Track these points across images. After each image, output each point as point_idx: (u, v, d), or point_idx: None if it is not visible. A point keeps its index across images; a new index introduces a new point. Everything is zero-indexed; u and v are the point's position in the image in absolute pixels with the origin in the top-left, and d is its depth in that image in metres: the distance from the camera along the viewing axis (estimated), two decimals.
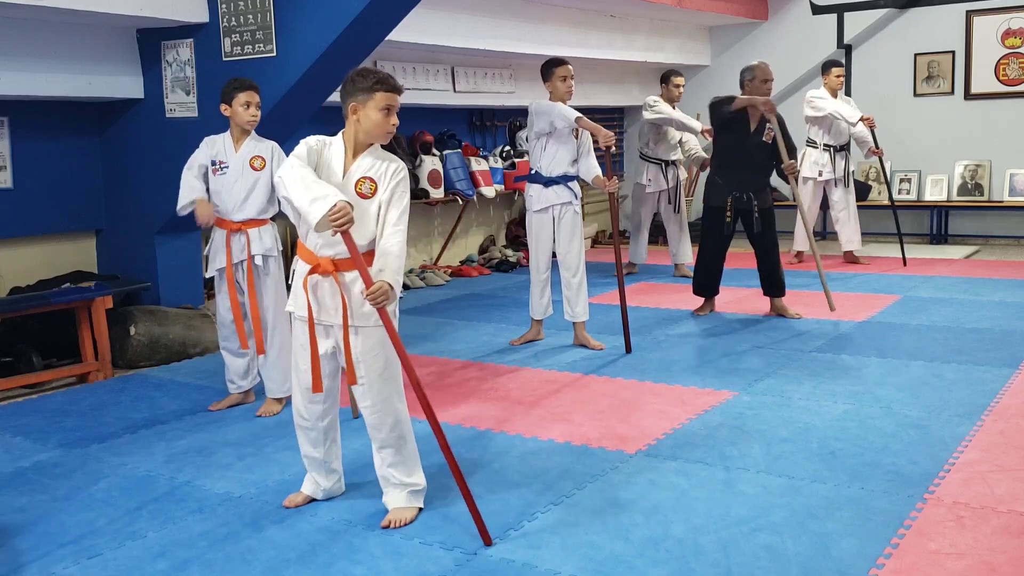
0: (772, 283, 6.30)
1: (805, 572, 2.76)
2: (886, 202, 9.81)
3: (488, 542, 3.01)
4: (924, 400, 4.37)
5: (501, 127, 9.64)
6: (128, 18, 5.48)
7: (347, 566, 2.92)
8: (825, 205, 8.51)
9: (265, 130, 5.68)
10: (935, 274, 7.79)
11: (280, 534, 3.18)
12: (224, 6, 5.64)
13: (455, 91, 8.39)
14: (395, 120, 3.17)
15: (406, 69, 7.86)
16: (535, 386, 4.86)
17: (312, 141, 3.19)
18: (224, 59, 5.68)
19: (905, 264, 8.17)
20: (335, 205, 2.89)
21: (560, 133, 5.50)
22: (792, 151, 6.19)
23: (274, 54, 5.49)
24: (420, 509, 3.28)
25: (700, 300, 6.55)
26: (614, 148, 5.48)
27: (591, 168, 5.57)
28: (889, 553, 2.85)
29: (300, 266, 3.21)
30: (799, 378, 4.81)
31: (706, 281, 6.45)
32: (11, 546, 3.19)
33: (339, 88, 3.24)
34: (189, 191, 4.61)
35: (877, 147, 8.15)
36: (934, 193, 9.69)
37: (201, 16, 5.70)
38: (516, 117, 9.63)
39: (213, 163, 4.61)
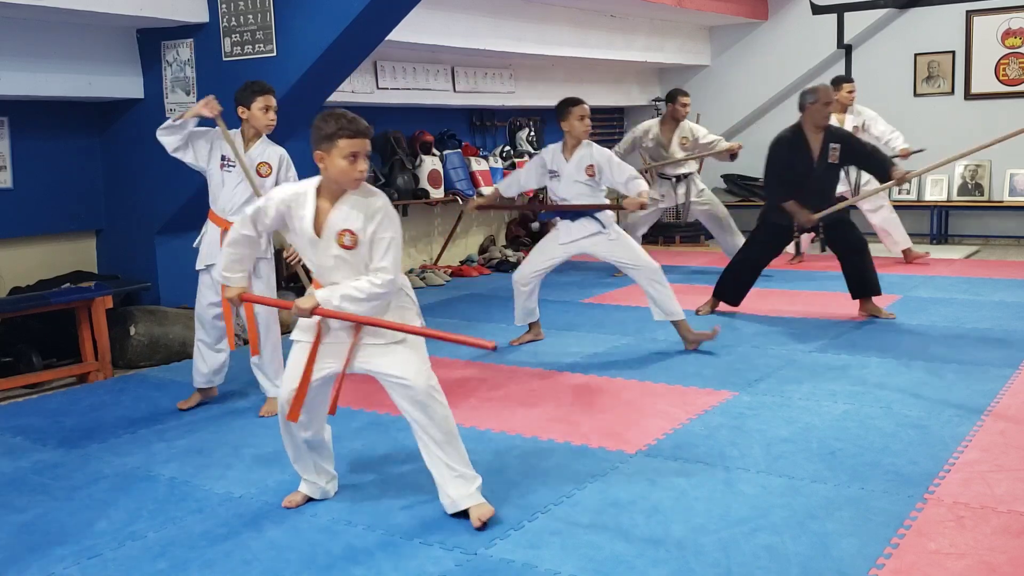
0: (861, 284, 6.11)
1: (805, 572, 2.76)
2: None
3: (492, 346, 3.16)
4: (924, 400, 4.36)
5: (501, 127, 9.64)
6: (128, 18, 5.48)
7: (347, 566, 2.92)
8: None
9: None
10: (935, 274, 7.79)
11: (280, 534, 3.18)
12: (224, 6, 5.64)
13: (455, 91, 8.39)
14: (362, 166, 3.04)
15: (406, 69, 7.86)
16: (535, 386, 4.86)
17: (279, 197, 3.15)
18: (224, 59, 5.69)
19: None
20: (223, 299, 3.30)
21: (569, 174, 5.42)
22: (871, 155, 6.00)
23: (274, 54, 5.49)
24: None
25: (699, 300, 6.51)
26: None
27: (629, 186, 5.36)
28: (889, 553, 2.85)
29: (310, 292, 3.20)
30: (799, 378, 4.81)
31: (734, 289, 6.33)
32: (11, 546, 3.19)
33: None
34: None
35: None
36: (934, 193, 9.69)
37: (201, 16, 5.70)
38: (516, 117, 9.64)
39: (223, 158, 4.57)
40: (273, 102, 4.54)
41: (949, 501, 3.22)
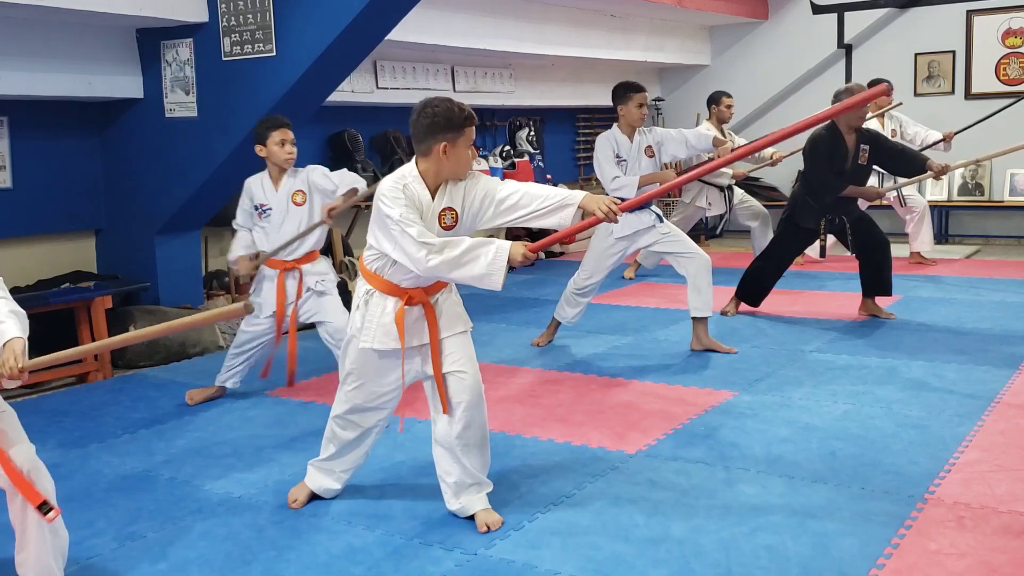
0: (878, 283, 6.12)
1: (805, 572, 2.76)
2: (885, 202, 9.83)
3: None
4: (924, 400, 4.36)
5: (501, 127, 9.64)
6: (128, 18, 5.48)
7: (347, 566, 2.92)
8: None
9: None
10: (935, 274, 7.79)
11: (280, 534, 3.18)
12: (224, 6, 5.63)
13: (455, 91, 8.38)
14: (474, 152, 3.08)
15: (406, 69, 7.86)
16: (535, 386, 4.86)
17: (400, 194, 2.96)
18: (224, 59, 5.68)
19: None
20: (510, 257, 2.90)
21: (635, 157, 5.35)
22: (901, 153, 6.03)
23: (274, 54, 5.49)
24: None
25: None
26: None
27: (700, 141, 5.46)
28: (889, 553, 2.85)
29: (380, 299, 3.13)
30: (799, 378, 4.81)
31: (756, 291, 6.32)
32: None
33: (414, 122, 3.02)
34: (239, 243, 4.67)
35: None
36: (934, 193, 9.68)
37: (201, 16, 5.70)
38: (516, 117, 9.63)
39: (257, 208, 4.59)
40: (290, 135, 4.50)
41: (949, 501, 3.21)
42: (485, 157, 9.06)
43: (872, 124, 7.90)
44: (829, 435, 3.93)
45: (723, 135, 7.80)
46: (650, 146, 5.39)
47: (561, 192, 3.08)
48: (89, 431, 4.43)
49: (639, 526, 3.11)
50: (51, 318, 5.50)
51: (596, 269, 5.51)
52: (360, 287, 3.20)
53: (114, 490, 3.66)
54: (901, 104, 8.19)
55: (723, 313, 6.38)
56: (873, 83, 7.95)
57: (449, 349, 3.16)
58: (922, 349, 5.29)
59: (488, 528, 3.12)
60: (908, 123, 8.22)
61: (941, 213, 9.73)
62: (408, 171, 3.07)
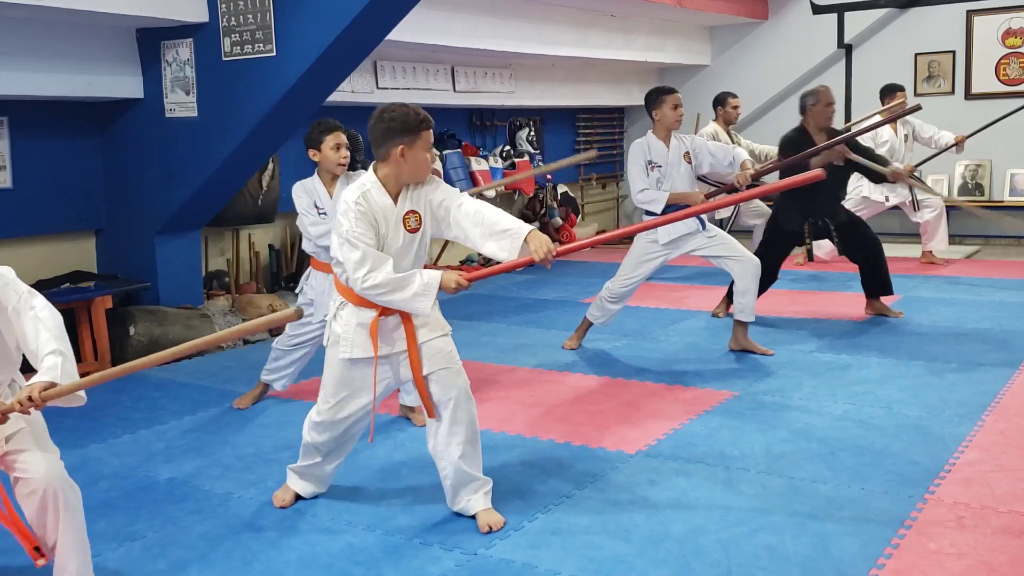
0: (878, 283, 6.14)
1: (805, 572, 2.76)
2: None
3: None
4: (924, 400, 4.37)
5: (501, 127, 9.64)
6: (128, 18, 5.48)
7: (347, 566, 2.92)
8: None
9: (265, 130, 5.71)
10: (935, 274, 7.79)
11: (280, 534, 3.18)
12: (224, 6, 5.63)
13: (455, 91, 8.39)
14: (434, 155, 3.09)
15: (406, 69, 7.86)
16: (535, 386, 4.86)
17: (356, 206, 3.00)
18: (224, 59, 5.68)
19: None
20: (443, 282, 2.98)
21: (673, 163, 5.23)
22: (882, 162, 6.04)
23: (274, 54, 5.49)
24: None
25: (699, 296, 6.50)
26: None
27: (735, 161, 5.30)
28: (889, 553, 2.85)
29: (354, 311, 3.13)
30: (799, 378, 4.81)
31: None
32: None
33: (371, 128, 3.10)
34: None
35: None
36: None
37: (201, 16, 5.69)
38: (516, 117, 9.64)
39: (315, 206, 4.32)
40: (343, 139, 4.26)
41: (949, 501, 3.22)
42: (485, 157, 9.06)
43: (885, 129, 7.89)
44: (829, 435, 3.93)
45: (729, 137, 7.80)
46: (688, 152, 5.26)
47: (513, 221, 3.08)
48: (89, 431, 4.43)
49: (639, 526, 3.11)
50: None
51: (633, 274, 5.41)
52: (336, 298, 3.21)
53: (114, 490, 3.66)
54: (919, 108, 8.10)
55: (713, 315, 6.41)
56: (888, 89, 8.04)
57: (430, 352, 3.15)
58: (922, 349, 5.29)
59: (490, 528, 3.12)
60: (922, 126, 8.24)
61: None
62: (368, 179, 3.10)
